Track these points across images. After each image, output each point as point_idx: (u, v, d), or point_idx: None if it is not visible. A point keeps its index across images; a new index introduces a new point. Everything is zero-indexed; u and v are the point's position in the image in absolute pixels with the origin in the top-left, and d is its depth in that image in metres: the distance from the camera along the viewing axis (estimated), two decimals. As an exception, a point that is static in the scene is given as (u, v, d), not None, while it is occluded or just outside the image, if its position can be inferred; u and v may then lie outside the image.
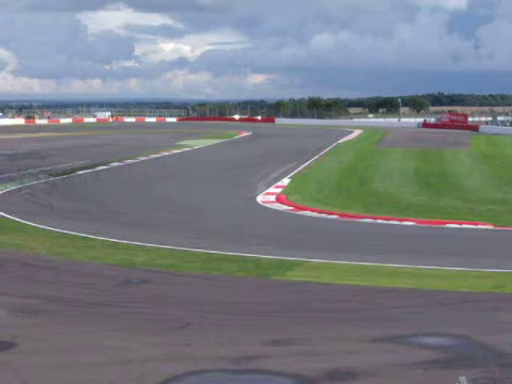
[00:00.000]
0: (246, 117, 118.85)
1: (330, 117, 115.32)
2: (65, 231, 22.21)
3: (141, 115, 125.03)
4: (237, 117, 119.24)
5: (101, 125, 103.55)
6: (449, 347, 10.45)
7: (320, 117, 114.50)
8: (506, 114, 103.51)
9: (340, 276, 16.34)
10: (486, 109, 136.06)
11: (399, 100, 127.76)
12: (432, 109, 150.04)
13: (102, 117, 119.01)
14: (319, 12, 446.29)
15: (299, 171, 41.87)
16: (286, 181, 37.30)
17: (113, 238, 21.09)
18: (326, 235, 23.09)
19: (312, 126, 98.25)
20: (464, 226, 24.39)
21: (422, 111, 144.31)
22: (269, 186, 35.29)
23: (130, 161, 47.25)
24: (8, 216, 25.38)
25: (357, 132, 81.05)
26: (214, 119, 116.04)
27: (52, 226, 22.99)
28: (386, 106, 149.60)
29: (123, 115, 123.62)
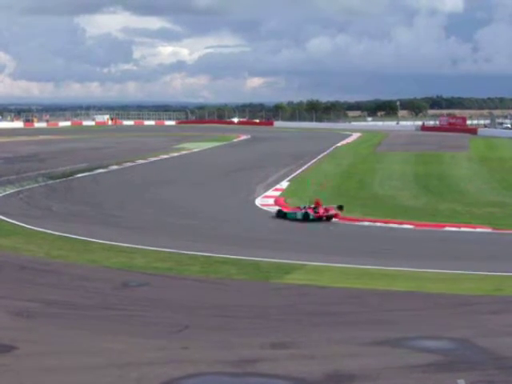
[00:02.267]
0: (244, 120, 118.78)
1: (329, 120, 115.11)
2: (63, 234, 22.20)
3: (139, 118, 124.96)
4: (235, 120, 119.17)
5: (100, 128, 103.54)
6: (447, 350, 10.44)
7: (319, 120, 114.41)
8: (505, 117, 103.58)
9: (338, 279, 16.35)
10: (485, 112, 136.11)
11: (398, 103, 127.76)
12: (431, 112, 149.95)
13: (101, 120, 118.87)
14: (316, 15, 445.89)
15: (298, 174, 41.87)
16: (284, 184, 37.30)
17: (111, 241, 21.08)
18: (325, 238, 23.10)
19: (311, 129, 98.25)
20: (462, 229, 24.39)
21: (421, 114, 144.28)
22: (267, 188, 35.30)
23: (128, 164, 47.25)
24: (7, 219, 25.36)
25: (355, 135, 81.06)
26: (213, 122, 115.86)
27: (50, 229, 22.97)
28: (384, 109, 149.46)
29: (122, 118, 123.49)
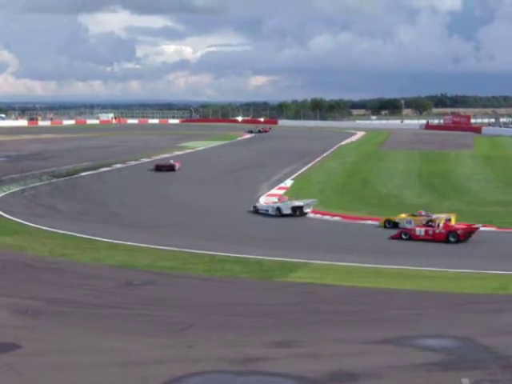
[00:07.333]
0: (248, 118, 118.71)
1: (333, 118, 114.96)
2: (67, 232, 22.23)
3: (143, 117, 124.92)
4: (240, 118, 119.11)
5: (104, 126, 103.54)
6: (451, 349, 10.43)
7: (323, 118, 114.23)
8: (509, 116, 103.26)
9: (342, 277, 16.34)
10: (489, 110, 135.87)
11: (402, 102, 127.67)
12: (435, 110, 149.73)
13: (105, 118, 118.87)
14: (319, 14, 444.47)
15: (302, 173, 41.81)
16: (288, 182, 37.27)
17: (115, 239, 21.11)
18: (329, 237, 23.07)
19: (315, 127, 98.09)
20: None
21: (425, 113, 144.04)
22: (271, 187, 35.28)
23: (132, 162, 47.24)
24: (11, 217, 25.41)
25: (360, 134, 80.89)
26: (217, 121, 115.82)
27: (55, 228, 23.01)
28: (388, 107, 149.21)
29: (126, 117, 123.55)
